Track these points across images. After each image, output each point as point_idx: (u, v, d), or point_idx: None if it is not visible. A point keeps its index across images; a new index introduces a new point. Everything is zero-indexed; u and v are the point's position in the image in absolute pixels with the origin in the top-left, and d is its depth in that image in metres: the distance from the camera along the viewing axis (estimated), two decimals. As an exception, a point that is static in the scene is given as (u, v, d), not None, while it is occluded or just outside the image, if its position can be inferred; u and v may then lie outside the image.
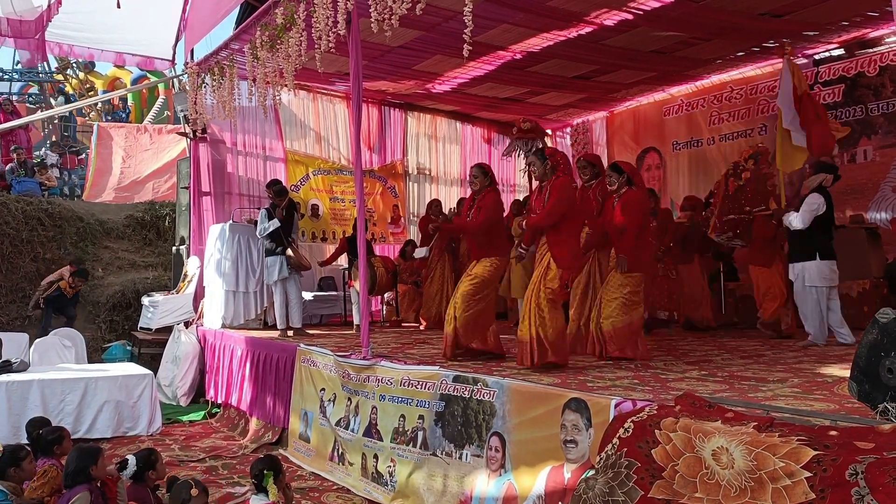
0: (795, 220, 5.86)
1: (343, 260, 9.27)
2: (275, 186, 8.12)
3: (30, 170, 12.12)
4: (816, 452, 2.35)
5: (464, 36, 4.35)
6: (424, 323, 8.61)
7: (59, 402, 6.68)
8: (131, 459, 3.92)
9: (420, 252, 8.76)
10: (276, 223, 7.69)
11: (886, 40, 7.86)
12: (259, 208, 8.67)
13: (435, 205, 9.06)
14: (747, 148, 7.72)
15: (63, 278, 8.80)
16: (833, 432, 2.48)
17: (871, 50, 8.01)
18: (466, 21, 4.33)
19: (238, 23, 8.50)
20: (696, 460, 2.66)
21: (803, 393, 3.71)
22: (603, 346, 5.24)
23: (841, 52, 8.26)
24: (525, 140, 8.78)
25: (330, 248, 10.26)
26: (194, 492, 3.58)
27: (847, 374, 2.90)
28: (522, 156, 8.90)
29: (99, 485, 3.77)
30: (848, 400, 3.22)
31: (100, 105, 18.03)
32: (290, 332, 7.72)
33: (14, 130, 12.40)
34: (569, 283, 5.06)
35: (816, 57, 8.46)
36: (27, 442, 4.68)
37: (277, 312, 7.87)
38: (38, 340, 8.41)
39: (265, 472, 3.76)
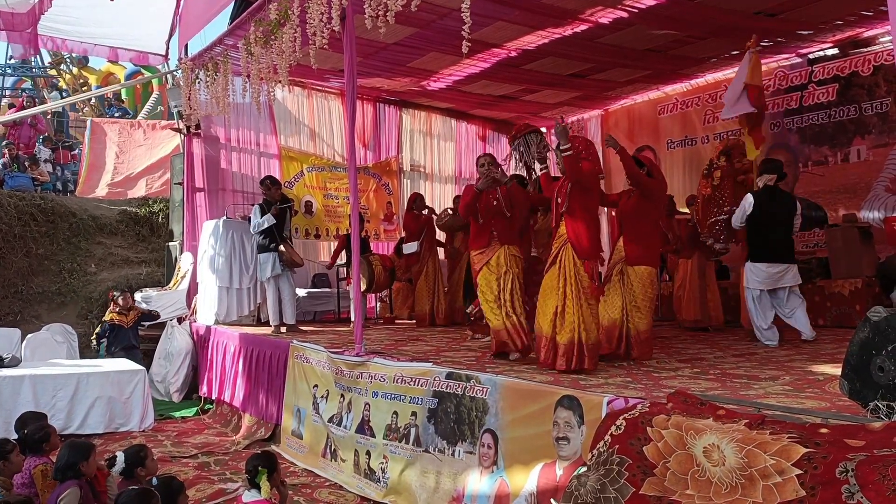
0: (733, 218, 5.93)
1: (343, 257, 9.24)
2: (270, 181, 8.08)
3: (22, 165, 12.05)
4: (807, 450, 2.36)
5: (462, 32, 4.33)
6: (417, 320, 8.59)
7: (51, 398, 6.65)
8: (120, 456, 3.91)
9: (410, 247, 8.72)
10: (270, 219, 7.61)
11: (880, 40, 7.87)
12: (253, 204, 8.65)
13: (418, 199, 8.95)
14: (718, 144, 7.51)
15: (107, 313, 8.59)
16: (824, 430, 2.49)
17: (865, 49, 8.03)
18: (465, 18, 4.31)
19: (232, 18, 8.46)
20: (688, 457, 2.67)
21: (795, 391, 3.72)
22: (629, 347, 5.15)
23: (835, 51, 8.28)
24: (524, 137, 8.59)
25: (323, 245, 10.26)
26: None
27: (838, 372, 2.91)
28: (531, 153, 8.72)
29: (88, 480, 3.75)
30: (839, 398, 3.22)
31: (93, 101, 17.92)
32: (284, 329, 7.70)
33: (18, 126, 12.32)
34: (596, 277, 4.70)
35: (811, 56, 8.48)
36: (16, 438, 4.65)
37: (270, 309, 7.84)
38: (30, 336, 8.37)
39: (259, 468, 3.75)
